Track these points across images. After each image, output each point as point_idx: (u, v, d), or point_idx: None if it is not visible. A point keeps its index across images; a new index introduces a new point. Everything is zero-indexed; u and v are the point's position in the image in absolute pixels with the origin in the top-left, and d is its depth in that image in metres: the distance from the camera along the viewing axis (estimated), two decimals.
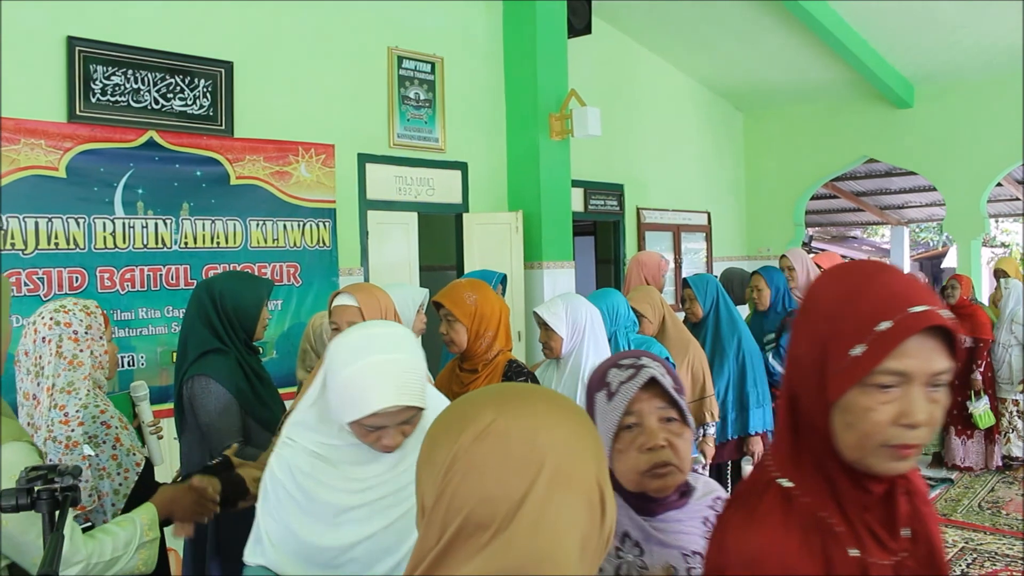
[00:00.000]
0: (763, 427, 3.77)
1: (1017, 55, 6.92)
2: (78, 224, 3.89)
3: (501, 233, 5.80)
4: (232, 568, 2.46)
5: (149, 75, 4.23)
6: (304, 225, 4.75)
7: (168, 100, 4.30)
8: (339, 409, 1.44)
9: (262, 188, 4.57)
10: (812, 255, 4.68)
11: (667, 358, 3.19)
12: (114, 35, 4.10)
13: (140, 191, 4.10)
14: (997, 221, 14.59)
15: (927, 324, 0.95)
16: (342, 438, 1.50)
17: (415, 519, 0.84)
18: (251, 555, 1.53)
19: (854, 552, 0.99)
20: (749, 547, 1.00)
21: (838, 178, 10.75)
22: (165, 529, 1.96)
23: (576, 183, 6.51)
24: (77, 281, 3.87)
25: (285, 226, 4.67)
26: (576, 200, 6.75)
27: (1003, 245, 16.38)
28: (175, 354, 3.37)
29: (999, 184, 9.00)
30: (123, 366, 3.99)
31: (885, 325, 0.95)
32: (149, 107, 4.23)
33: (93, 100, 4.03)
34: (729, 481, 3.81)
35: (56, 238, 3.82)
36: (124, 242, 4.04)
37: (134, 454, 2.09)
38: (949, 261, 15.74)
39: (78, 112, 3.97)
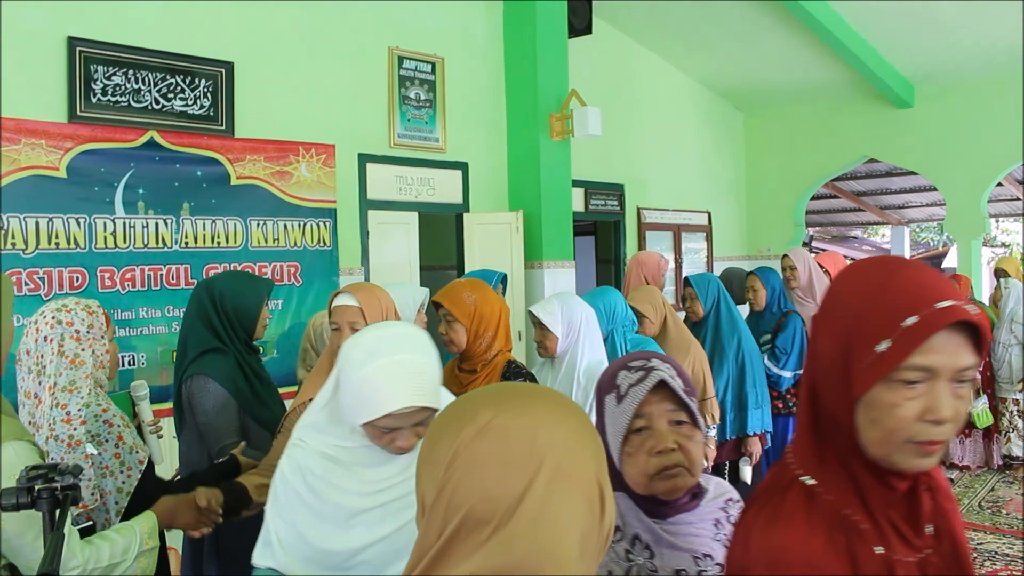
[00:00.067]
0: (761, 428, 3.77)
1: (1017, 55, 6.92)
2: (79, 224, 3.90)
3: (501, 233, 5.80)
4: (230, 569, 2.47)
5: (150, 75, 4.23)
6: (304, 225, 4.76)
7: (169, 100, 4.30)
8: (353, 410, 1.42)
9: (263, 188, 4.57)
10: (814, 255, 4.67)
11: None
12: (115, 35, 4.11)
13: (141, 191, 4.10)
14: (997, 221, 14.58)
15: (954, 319, 0.94)
16: (354, 440, 1.48)
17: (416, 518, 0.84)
18: (260, 557, 1.51)
19: (879, 550, 0.99)
20: (774, 546, 0.99)
21: (838, 178, 10.74)
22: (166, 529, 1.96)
23: (576, 183, 6.50)
24: (78, 281, 3.88)
25: (286, 226, 4.67)
26: (576, 200, 6.75)
27: (1003, 245, 16.39)
28: (175, 353, 3.37)
29: (999, 184, 8.99)
30: (123, 365, 4.00)
31: (911, 320, 0.94)
32: (150, 107, 4.23)
33: (94, 100, 4.03)
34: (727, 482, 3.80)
35: (57, 238, 3.83)
36: (125, 242, 4.04)
37: (137, 452, 2.09)
38: (949, 261, 15.72)
39: (79, 112, 3.97)
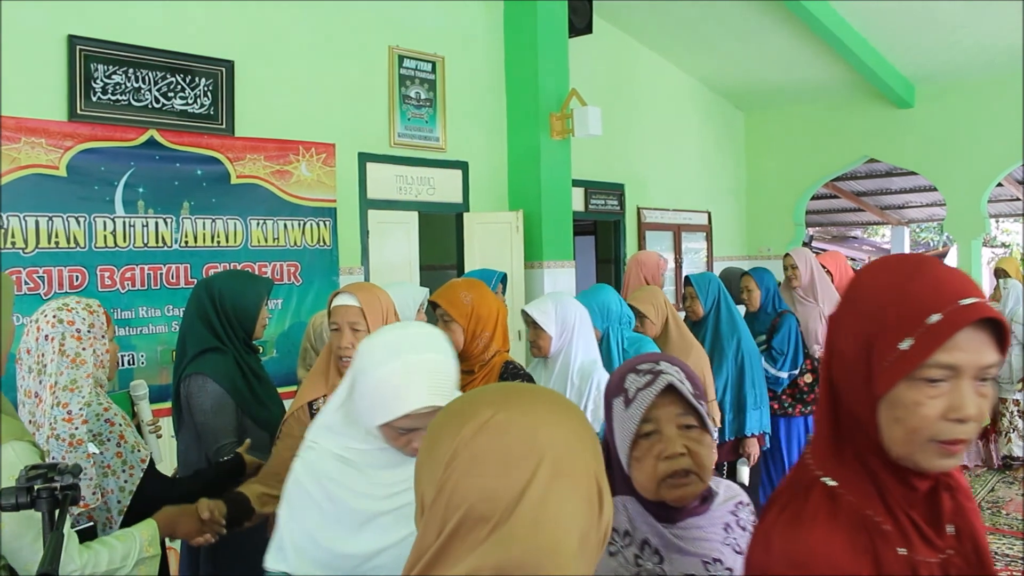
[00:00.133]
0: (760, 429, 3.76)
1: (1017, 55, 6.92)
2: (79, 223, 3.90)
3: (501, 232, 5.80)
4: (229, 569, 2.47)
5: (150, 74, 4.23)
6: (304, 224, 4.76)
7: (169, 99, 4.30)
8: (369, 411, 1.40)
9: (262, 187, 4.57)
10: (816, 255, 4.66)
11: None
12: (115, 34, 4.11)
13: (141, 190, 4.10)
14: (997, 221, 14.58)
15: (977, 316, 0.93)
16: (369, 442, 1.46)
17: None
18: (272, 561, 1.49)
19: (902, 551, 0.98)
20: (797, 548, 0.98)
21: (838, 178, 10.75)
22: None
23: (577, 183, 6.50)
24: (77, 280, 3.87)
25: (285, 225, 4.67)
26: (577, 200, 6.74)
27: (1003, 245, 16.38)
28: (175, 353, 3.37)
29: (999, 184, 8.99)
30: (123, 365, 3.99)
31: (935, 318, 0.93)
32: (150, 106, 4.23)
33: (94, 99, 4.03)
34: None
35: (56, 237, 3.82)
36: (124, 241, 4.04)
37: (139, 451, 2.09)
38: (949, 261, 15.71)
39: (79, 111, 3.97)
